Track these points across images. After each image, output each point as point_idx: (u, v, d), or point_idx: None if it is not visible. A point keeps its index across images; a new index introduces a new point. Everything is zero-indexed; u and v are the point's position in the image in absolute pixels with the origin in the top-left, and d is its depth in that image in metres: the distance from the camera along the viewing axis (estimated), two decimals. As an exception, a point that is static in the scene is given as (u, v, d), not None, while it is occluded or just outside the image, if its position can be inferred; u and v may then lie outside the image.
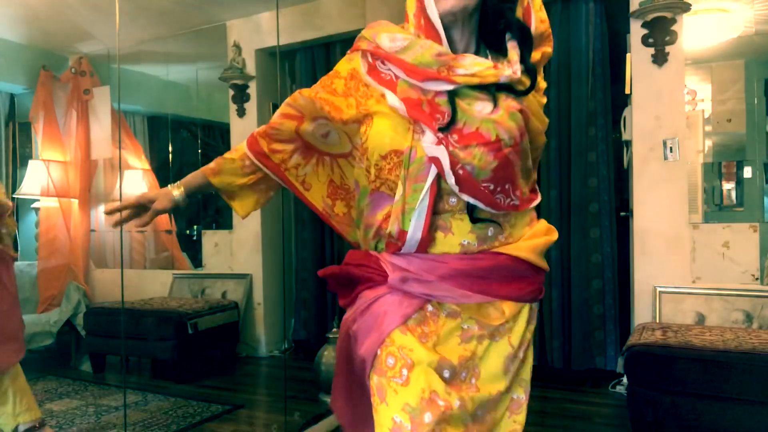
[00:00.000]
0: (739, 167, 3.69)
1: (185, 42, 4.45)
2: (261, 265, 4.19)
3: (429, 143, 1.03)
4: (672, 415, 2.26)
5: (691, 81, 3.54)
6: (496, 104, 1.05)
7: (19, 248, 4.62)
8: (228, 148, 4.34)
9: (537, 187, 1.22)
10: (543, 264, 1.16)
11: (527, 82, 1.09)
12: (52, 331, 3.89)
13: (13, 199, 4.55)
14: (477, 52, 1.11)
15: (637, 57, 3.11)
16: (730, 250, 2.96)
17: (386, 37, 1.10)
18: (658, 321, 2.94)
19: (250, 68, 4.20)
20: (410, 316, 1.09)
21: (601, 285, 3.42)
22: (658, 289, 2.99)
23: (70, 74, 4.49)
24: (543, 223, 1.19)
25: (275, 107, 4.22)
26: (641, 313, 3.07)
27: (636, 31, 3.11)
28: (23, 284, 4.29)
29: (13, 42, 4.33)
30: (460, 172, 1.03)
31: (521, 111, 1.07)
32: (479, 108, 1.04)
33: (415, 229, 1.06)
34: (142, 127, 5.05)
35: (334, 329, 3.14)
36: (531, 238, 1.14)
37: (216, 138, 4.94)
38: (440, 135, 1.03)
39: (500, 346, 1.13)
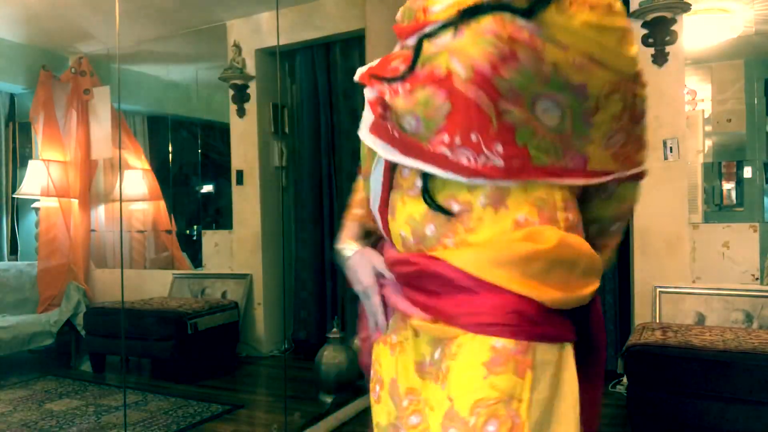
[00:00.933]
0: (739, 167, 3.69)
1: (185, 42, 4.45)
2: (261, 265, 4.19)
3: (366, 107, 0.85)
4: (672, 415, 2.26)
5: (691, 81, 3.54)
6: (458, 28, 0.76)
7: (19, 248, 4.62)
8: (228, 148, 4.35)
9: (626, 164, 0.85)
10: (500, 280, 0.77)
11: None
12: (52, 331, 3.89)
13: (13, 199, 4.56)
14: None
15: (637, 57, 3.11)
16: (730, 250, 2.96)
17: None
18: (658, 321, 2.93)
19: (250, 68, 4.20)
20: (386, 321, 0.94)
21: (601, 285, 3.41)
22: (658, 289, 2.99)
23: (70, 74, 4.49)
24: (533, 230, 0.79)
25: (275, 107, 4.25)
26: (641, 313, 3.07)
27: (636, 31, 3.11)
28: (23, 284, 4.29)
29: (13, 42, 4.33)
30: (395, 134, 0.80)
31: (500, 35, 0.74)
32: (445, 40, 0.78)
33: (373, 198, 0.91)
34: (142, 127, 5.05)
35: (334, 329, 3.14)
36: (496, 241, 0.79)
37: (216, 138, 4.94)
38: (377, 87, 0.83)
39: (431, 389, 0.82)
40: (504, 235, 0.79)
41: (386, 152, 0.83)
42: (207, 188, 5.23)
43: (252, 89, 4.23)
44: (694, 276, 2.98)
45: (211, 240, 4.60)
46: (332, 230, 4.14)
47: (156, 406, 3.06)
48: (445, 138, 0.77)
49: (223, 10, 4.06)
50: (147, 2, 3.73)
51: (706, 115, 3.65)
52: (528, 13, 0.74)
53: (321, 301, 4.19)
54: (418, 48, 0.80)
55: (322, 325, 4.10)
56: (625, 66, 0.80)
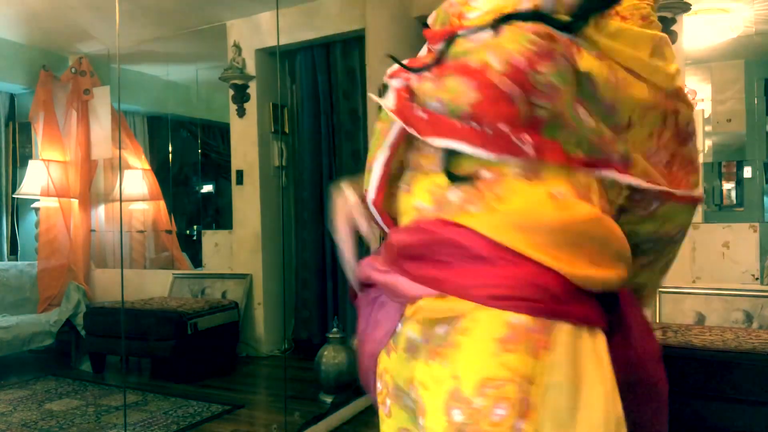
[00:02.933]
0: (739, 167, 3.69)
1: (185, 42, 4.45)
2: (261, 265, 4.19)
3: (389, 92, 0.84)
4: (672, 415, 2.25)
5: (691, 81, 3.54)
6: (497, 28, 0.75)
7: (19, 248, 4.63)
8: (228, 148, 4.36)
9: (633, 162, 0.79)
10: (523, 246, 0.70)
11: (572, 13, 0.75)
12: (52, 331, 3.89)
13: (13, 199, 4.56)
14: None
15: (637, 57, 3.11)
16: (730, 250, 2.96)
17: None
18: (658, 321, 2.93)
19: (250, 68, 4.20)
20: (393, 329, 0.85)
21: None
22: (658, 288, 2.99)
23: (70, 74, 4.49)
24: (569, 201, 0.74)
25: (275, 107, 4.25)
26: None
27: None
28: (23, 284, 4.29)
29: (13, 42, 4.33)
30: (421, 113, 0.78)
31: (539, 33, 0.73)
32: (483, 37, 0.77)
33: (370, 189, 0.86)
34: (142, 127, 5.05)
35: (334, 329, 3.14)
36: (525, 208, 0.73)
37: (216, 138, 4.94)
38: (405, 77, 0.82)
39: (421, 367, 0.76)
40: (539, 204, 0.73)
41: (412, 130, 0.78)
42: (207, 188, 5.23)
43: (252, 89, 4.23)
44: (694, 276, 2.98)
45: (211, 240, 4.60)
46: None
47: (156, 406, 3.06)
48: (474, 125, 0.73)
49: (223, 10, 4.06)
50: (147, 2, 3.73)
51: (706, 115, 3.65)
52: (566, 29, 0.74)
53: (323, 300, 4.19)
54: (449, 41, 0.79)
55: (323, 325, 4.10)
56: (662, 80, 0.79)
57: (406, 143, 0.84)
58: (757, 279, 2.91)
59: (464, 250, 0.73)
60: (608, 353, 0.73)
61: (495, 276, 0.71)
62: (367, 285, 0.93)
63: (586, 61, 0.75)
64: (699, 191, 0.87)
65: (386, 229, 0.88)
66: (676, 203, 0.85)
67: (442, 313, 0.75)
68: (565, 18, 0.75)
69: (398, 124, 0.81)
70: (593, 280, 0.73)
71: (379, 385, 0.88)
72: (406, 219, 0.83)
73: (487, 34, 0.76)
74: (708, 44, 3.42)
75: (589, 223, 0.73)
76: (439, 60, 0.78)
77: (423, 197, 0.80)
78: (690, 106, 0.82)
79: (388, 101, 0.84)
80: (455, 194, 0.76)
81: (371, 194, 0.86)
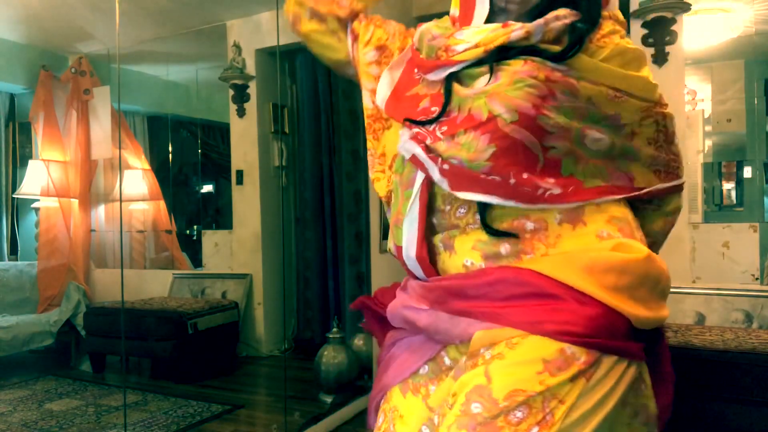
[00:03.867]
0: (739, 167, 3.68)
1: (185, 42, 4.45)
2: (261, 265, 4.19)
3: (402, 141, 0.86)
4: (672, 415, 2.26)
5: (691, 81, 3.54)
6: (492, 73, 0.79)
7: (19, 248, 4.62)
8: (228, 148, 4.35)
9: (667, 179, 0.89)
10: (593, 289, 0.73)
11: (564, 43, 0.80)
12: (52, 331, 3.89)
13: (13, 199, 4.56)
14: None
15: (637, 57, 3.11)
16: (730, 250, 2.96)
17: (417, 30, 0.94)
18: (658, 321, 2.93)
19: (250, 68, 4.20)
20: (415, 370, 0.86)
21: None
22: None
23: (70, 74, 4.49)
24: (621, 242, 0.79)
25: (275, 107, 4.24)
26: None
27: (636, 30, 3.11)
28: (23, 284, 4.29)
29: (13, 42, 4.33)
30: (445, 167, 0.80)
31: (537, 77, 0.77)
32: (480, 85, 0.81)
33: (408, 244, 0.86)
34: (142, 127, 5.05)
35: (334, 329, 3.14)
36: (585, 250, 0.77)
37: (216, 138, 4.94)
38: (417, 129, 0.84)
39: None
40: (591, 245, 0.78)
41: (441, 183, 0.81)
42: (207, 188, 5.23)
43: (252, 89, 4.23)
44: (694, 276, 2.98)
45: (211, 240, 4.60)
46: (333, 230, 4.14)
47: (156, 406, 3.06)
48: (497, 178, 0.77)
49: (223, 10, 4.06)
50: (147, 2, 3.73)
51: (706, 115, 3.65)
52: (557, 59, 0.78)
53: (325, 300, 4.19)
54: (447, 91, 0.82)
55: (325, 324, 4.10)
56: (649, 93, 0.86)
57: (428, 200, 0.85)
58: (757, 279, 2.91)
59: (529, 287, 0.75)
60: (650, 384, 0.81)
61: (570, 314, 0.73)
62: (383, 321, 0.94)
63: (584, 89, 0.80)
64: (683, 178, 0.97)
65: (423, 278, 0.87)
66: (671, 193, 0.94)
67: (494, 340, 0.76)
68: (555, 48, 0.79)
69: (422, 173, 0.84)
70: (650, 321, 0.78)
71: (380, 419, 0.89)
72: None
73: (483, 81, 0.80)
74: (708, 44, 3.42)
75: (646, 264, 0.78)
76: (443, 110, 0.81)
77: (472, 255, 0.81)
78: (668, 107, 0.91)
79: (404, 147, 0.86)
80: (505, 247, 0.79)
81: (412, 248, 0.86)
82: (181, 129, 5.12)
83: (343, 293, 4.09)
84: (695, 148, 3.47)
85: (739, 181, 3.68)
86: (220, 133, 4.78)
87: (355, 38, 1.06)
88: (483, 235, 0.80)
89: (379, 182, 1.01)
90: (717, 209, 3.74)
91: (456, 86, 0.82)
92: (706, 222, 3.21)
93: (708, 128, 3.66)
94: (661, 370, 0.85)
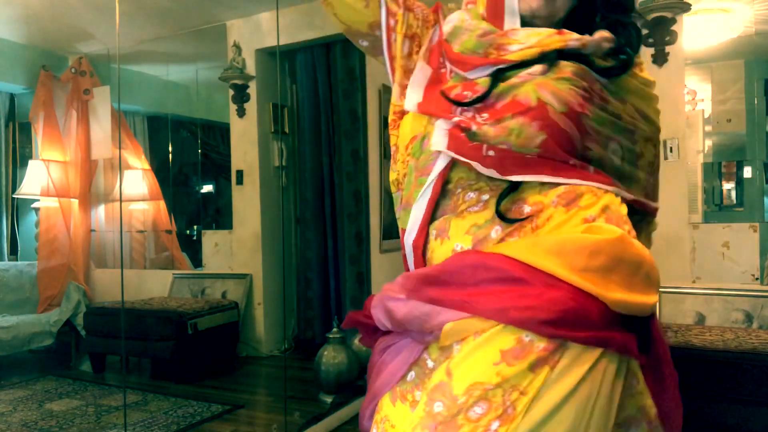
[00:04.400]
0: (739, 167, 3.68)
1: (185, 42, 4.45)
2: (261, 265, 4.19)
3: (437, 133, 0.84)
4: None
5: (691, 81, 3.54)
6: (549, 68, 0.81)
7: (19, 248, 4.62)
8: (228, 148, 4.35)
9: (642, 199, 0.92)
10: (560, 270, 0.71)
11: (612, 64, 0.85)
12: (52, 331, 3.89)
13: (13, 199, 4.56)
14: None
15: (637, 57, 3.11)
16: (730, 250, 2.96)
17: (448, 20, 0.93)
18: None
19: (250, 68, 4.20)
20: (401, 376, 0.83)
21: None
22: (658, 288, 2.98)
23: (70, 74, 4.49)
24: (593, 225, 0.78)
25: (275, 107, 4.24)
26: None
27: (636, 31, 3.11)
28: (23, 284, 4.29)
29: (13, 42, 4.33)
30: (491, 153, 0.79)
31: (584, 77, 0.81)
32: (530, 73, 0.82)
33: (411, 229, 0.87)
34: (142, 127, 5.05)
35: (334, 329, 3.14)
36: (558, 233, 0.77)
37: (216, 138, 4.94)
38: (456, 119, 0.81)
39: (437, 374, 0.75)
40: (574, 228, 0.77)
41: (485, 169, 0.80)
42: (207, 188, 5.23)
43: (252, 89, 4.23)
44: (694, 276, 2.98)
45: (211, 240, 4.60)
46: (334, 229, 4.14)
47: (156, 406, 3.06)
48: (546, 158, 0.80)
49: (223, 10, 4.06)
50: (147, 2, 3.73)
51: (706, 115, 3.65)
52: (605, 74, 0.84)
53: (326, 300, 4.19)
54: (495, 77, 0.82)
55: (326, 324, 4.11)
56: (657, 119, 0.93)
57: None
58: (757, 279, 2.91)
59: (496, 272, 0.73)
60: (643, 380, 0.75)
61: (534, 297, 0.70)
62: (377, 331, 0.91)
63: (613, 105, 0.85)
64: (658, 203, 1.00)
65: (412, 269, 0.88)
66: (654, 217, 0.98)
67: (464, 334, 0.74)
68: (606, 63, 0.85)
69: (441, 162, 0.83)
70: (628, 305, 0.73)
71: (373, 430, 0.86)
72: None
73: (535, 69, 0.81)
74: (708, 44, 3.42)
75: (618, 244, 0.74)
76: (488, 93, 0.81)
77: (462, 240, 0.81)
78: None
79: (438, 141, 0.84)
80: (495, 231, 0.79)
81: (412, 235, 0.87)
82: (181, 129, 5.12)
83: (343, 293, 4.09)
84: (695, 148, 3.47)
85: (739, 181, 3.68)
86: (220, 133, 4.78)
87: (394, 23, 0.98)
88: (480, 219, 0.81)
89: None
90: (717, 209, 3.74)
91: (500, 85, 0.82)
92: (706, 222, 3.21)
93: (708, 128, 3.66)
94: (661, 370, 0.80)
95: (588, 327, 0.69)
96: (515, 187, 0.79)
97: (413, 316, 0.79)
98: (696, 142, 3.50)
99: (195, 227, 5.11)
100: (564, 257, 0.72)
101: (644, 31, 3.08)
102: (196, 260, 4.75)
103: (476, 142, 0.80)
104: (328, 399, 3.01)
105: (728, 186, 3.72)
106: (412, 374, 0.82)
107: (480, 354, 0.71)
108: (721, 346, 2.28)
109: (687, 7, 2.97)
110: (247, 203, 4.20)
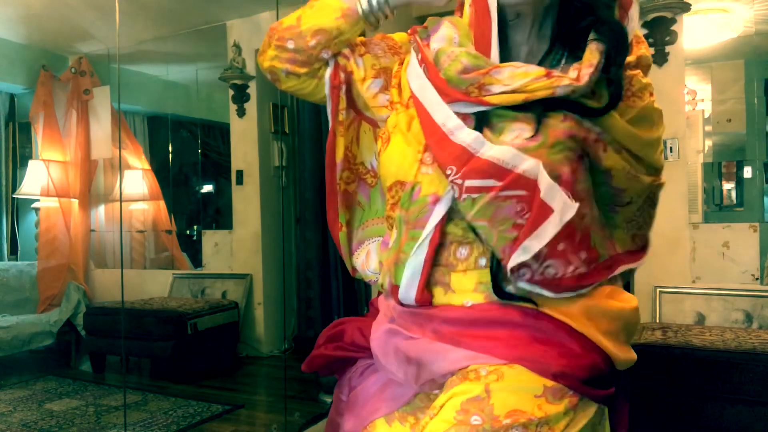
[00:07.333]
0: (739, 167, 3.68)
1: (185, 42, 4.45)
2: (261, 265, 4.19)
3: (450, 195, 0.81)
4: (672, 415, 2.26)
5: (691, 81, 3.54)
6: (538, 129, 0.74)
7: (19, 248, 4.62)
8: (228, 148, 4.35)
9: (639, 243, 0.89)
10: (593, 333, 0.78)
11: (605, 97, 0.76)
12: (52, 331, 3.89)
13: (13, 199, 4.56)
14: (547, 54, 0.83)
15: (637, 57, 3.11)
16: (730, 250, 2.96)
17: (435, 33, 0.86)
18: (658, 321, 2.93)
19: (250, 68, 4.20)
20: (403, 402, 0.87)
21: (601, 285, 3.42)
22: (658, 289, 2.98)
23: (70, 74, 4.49)
24: (614, 288, 0.83)
25: (275, 107, 4.24)
26: (641, 313, 3.07)
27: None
28: (23, 284, 4.29)
29: (13, 42, 4.33)
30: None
31: (576, 138, 0.75)
32: (513, 135, 0.75)
33: (407, 287, 0.83)
34: (142, 127, 5.05)
35: (334, 329, 3.13)
36: (587, 299, 0.79)
37: (216, 138, 4.94)
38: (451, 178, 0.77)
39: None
40: (598, 297, 0.81)
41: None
42: (207, 188, 5.23)
43: (252, 89, 4.23)
44: (694, 276, 2.98)
45: (211, 240, 4.60)
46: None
47: (156, 406, 3.06)
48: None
49: (223, 10, 4.06)
50: (147, 2, 3.73)
51: (706, 115, 3.65)
52: (600, 113, 0.76)
53: (327, 300, 4.19)
54: (480, 119, 0.78)
55: (328, 324, 4.09)
56: (657, 159, 0.85)
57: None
58: (757, 279, 2.91)
59: (537, 328, 0.78)
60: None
61: (576, 359, 0.77)
62: (352, 350, 0.97)
63: (610, 159, 0.78)
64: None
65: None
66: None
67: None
68: (595, 104, 0.76)
69: (436, 215, 0.80)
70: (627, 363, 0.84)
71: None
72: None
73: (525, 134, 0.75)
74: (708, 44, 3.42)
75: (635, 313, 0.85)
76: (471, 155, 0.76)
77: (474, 297, 0.81)
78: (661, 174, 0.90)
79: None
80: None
81: (411, 292, 0.84)
82: (181, 129, 5.12)
83: (344, 293, 4.09)
84: (695, 148, 3.47)
85: (739, 181, 3.68)
86: (220, 133, 4.78)
87: (347, 77, 0.98)
88: (485, 277, 0.80)
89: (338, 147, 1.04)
90: (717, 209, 3.74)
91: (487, 133, 0.77)
92: (706, 222, 3.21)
93: (708, 128, 3.66)
94: (619, 419, 0.89)
95: (603, 386, 0.79)
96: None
97: (429, 356, 0.81)
98: (696, 142, 3.50)
99: (195, 227, 5.11)
100: (594, 321, 0.79)
101: (644, 31, 3.08)
102: (196, 260, 4.75)
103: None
104: (328, 399, 3.01)
105: (728, 186, 3.72)
106: (413, 400, 0.86)
107: (522, 380, 0.75)
108: (721, 346, 2.28)
109: (687, 7, 2.97)
110: (247, 203, 4.20)
